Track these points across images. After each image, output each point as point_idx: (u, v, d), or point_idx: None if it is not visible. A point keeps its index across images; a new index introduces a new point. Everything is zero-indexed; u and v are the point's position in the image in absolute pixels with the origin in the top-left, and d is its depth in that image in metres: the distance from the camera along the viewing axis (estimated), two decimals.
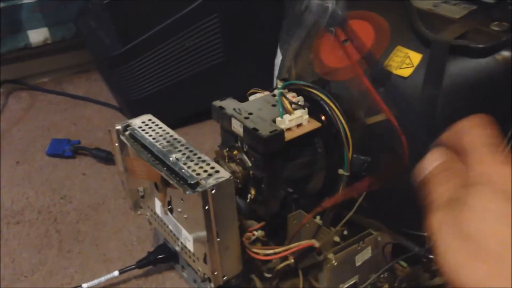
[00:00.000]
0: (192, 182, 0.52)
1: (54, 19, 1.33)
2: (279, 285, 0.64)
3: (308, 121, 0.64)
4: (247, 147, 0.62)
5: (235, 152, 0.64)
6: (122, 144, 0.63)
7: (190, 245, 0.59)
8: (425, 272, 0.74)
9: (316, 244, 0.60)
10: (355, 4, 0.69)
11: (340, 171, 0.63)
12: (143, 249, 0.80)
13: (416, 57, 0.61)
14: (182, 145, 0.58)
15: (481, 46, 0.57)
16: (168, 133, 0.61)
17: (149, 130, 0.61)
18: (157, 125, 0.62)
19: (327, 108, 0.63)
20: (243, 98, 0.68)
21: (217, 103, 0.66)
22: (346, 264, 0.66)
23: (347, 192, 0.62)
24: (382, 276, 0.70)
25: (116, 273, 0.75)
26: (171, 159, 0.56)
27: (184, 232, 0.59)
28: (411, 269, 0.73)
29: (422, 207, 0.36)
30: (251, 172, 0.62)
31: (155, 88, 1.08)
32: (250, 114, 0.63)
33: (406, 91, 0.61)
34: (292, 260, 0.62)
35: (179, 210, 0.59)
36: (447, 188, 0.34)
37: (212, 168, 0.54)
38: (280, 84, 0.67)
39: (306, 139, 0.64)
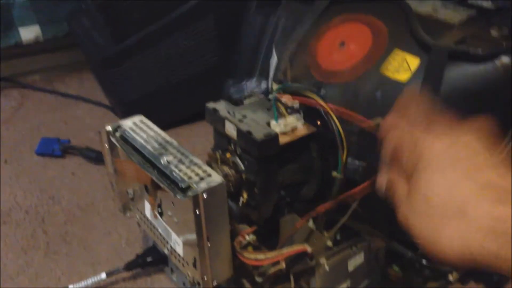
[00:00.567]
0: (183, 186, 0.51)
1: (46, 17, 1.31)
2: None
3: (303, 125, 0.63)
4: (240, 150, 0.61)
5: (228, 155, 0.63)
6: (112, 145, 0.62)
7: (179, 249, 0.58)
8: (418, 277, 0.73)
9: (309, 249, 0.59)
10: (352, 6, 0.68)
11: (334, 174, 0.62)
12: (132, 252, 0.79)
13: (414, 62, 0.60)
14: (174, 147, 0.57)
15: (481, 51, 0.56)
16: (159, 135, 0.59)
17: (140, 132, 0.60)
18: (148, 126, 0.61)
19: (322, 112, 0.62)
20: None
21: (210, 105, 0.65)
22: (339, 269, 0.65)
23: (343, 197, 0.61)
24: (375, 281, 0.69)
25: (103, 275, 0.73)
26: (162, 162, 0.55)
27: (174, 236, 0.58)
28: (404, 274, 0.72)
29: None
30: (244, 175, 0.61)
31: (148, 89, 1.07)
32: (244, 117, 0.61)
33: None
34: (284, 265, 0.60)
35: (170, 213, 0.57)
36: (399, 190, 0.42)
37: (204, 171, 0.53)
38: (275, 87, 0.66)
39: (301, 143, 0.63)
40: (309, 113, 0.63)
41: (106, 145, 0.62)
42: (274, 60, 0.79)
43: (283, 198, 0.74)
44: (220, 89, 0.87)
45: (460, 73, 0.57)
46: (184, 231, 0.56)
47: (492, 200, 0.35)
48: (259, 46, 0.84)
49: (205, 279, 0.55)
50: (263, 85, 0.61)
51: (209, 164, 0.62)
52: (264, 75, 0.77)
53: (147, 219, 0.64)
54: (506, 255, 0.33)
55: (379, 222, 0.68)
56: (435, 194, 0.37)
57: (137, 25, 0.99)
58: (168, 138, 0.59)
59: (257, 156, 0.58)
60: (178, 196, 0.50)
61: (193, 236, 0.53)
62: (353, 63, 0.64)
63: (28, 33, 1.32)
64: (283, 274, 0.63)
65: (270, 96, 0.64)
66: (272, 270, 0.61)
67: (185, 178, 0.52)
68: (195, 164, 0.54)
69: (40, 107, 1.26)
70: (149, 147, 0.57)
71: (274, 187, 0.62)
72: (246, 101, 0.66)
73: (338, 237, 0.68)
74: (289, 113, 0.62)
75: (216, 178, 0.52)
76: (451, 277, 0.74)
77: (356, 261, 0.67)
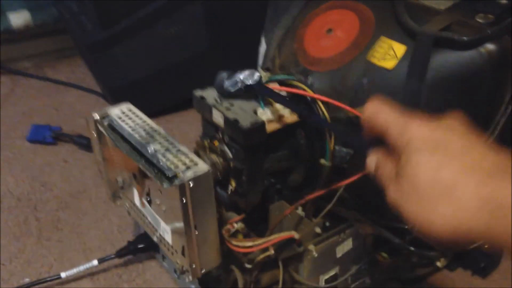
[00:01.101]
0: (169, 175, 0.51)
1: (35, 2, 1.30)
2: (259, 276, 0.64)
3: (290, 113, 0.63)
4: (228, 138, 0.62)
5: (216, 143, 0.63)
6: (100, 133, 0.62)
7: (168, 237, 0.58)
8: (406, 264, 0.74)
9: (296, 235, 0.60)
10: None
11: (322, 161, 0.63)
12: (123, 239, 0.80)
13: (400, 49, 0.60)
14: (161, 136, 0.57)
15: (466, 38, 0.56)
16: (147, 123, 0.60)
17: (128, 120, 0.60)
18: (136, 115, 0.61)
19: (309, 99, 0.63)
20: None
21: (198, 92, 0.65)
22: (327, 256, 0.66)
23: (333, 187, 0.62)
24: (363, 267, 0.70)
25: (95, 262, 0.74)
26: (149, 150, 0.55)
27: (162, 224, 0.59)
28: (392, 260, 0.73)
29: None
30: (232, 163, 0.61)
31: (138, 75, 1.06)
32: (232, 105, 0.62)
33: (389, 83, 0.60)
34: (272, 252, 0.61)
35: (158, 202, 0.58)
36: (388, 171, 0.44)
37: (191, 160, 0.53)
38: (263, 74, 0.66)
39: (288, 130, 0.63)
40: (296, 101, 0.63)
41: (94, 133, 0.62)
42: (262, 47, 0.78)
43: (273, 185, 0.74)
44: (211, 74, 0.86)
45: (445, 59, 0.57)
46: (172, 219, 0.56)
47: (478, 181, 0.36)
48: None
49: (194, 266, 0.56)
50: (256, 77, 0.61)
51: (197, 152, 0.62)
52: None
53: (137, 208, 0.64)
54: (497, 227, 0.34)
55: (367, 209, 0.68)
56: (423, 175, 0.39)
57: (125, 10, 0.98)
58: (155, 126, 0.59)
59: (244, 144, 0.58)
60: (165, 185, 0.51)
61: (181, 224, 0.53)
62: (340, 50, 0.64)
63: (18, 18, 1.31)
64: (272, 260, 0.64)
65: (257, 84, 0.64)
66: (261, 256, 0.62)
67: (172, 167, 0.52)
68: (182, 152, 0.55)
69: (30, 94, 1.26)
70: (136, 135, 0.57)
71: (261, 174, 0.63)
72: None
73: (327, 224, 0.68)
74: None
75: (202, 167, 0.52)
76: (439, 264, 0.75)
77: (344, 247, 0.68)
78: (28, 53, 1.39)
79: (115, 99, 1.05)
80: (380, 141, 0.46)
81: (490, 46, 0.56)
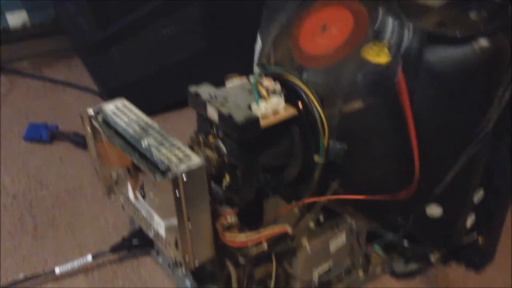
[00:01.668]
0: (163, 168, 0.51)
1: (33, 2, 1.30)
2: (253, 270, 0.64)
3: (285, 109, 0.63)
4: (222, 133, 0.62)
5: (210, 138, 0.63)
6: (94, 129, 0.62)
7: (162, 231, 0.59)
8: (400, 258, 0.74)
9: (289, 230, 0.60)
10: None
11: (316, 158, 0.63)
12: (118, 236, 0.80)
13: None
14: (155, 130, 0.58)
15: (459, 34, 0.57)
16: (141, 118, 0.60)
17: (122, 115, 0.60)
18: (130, 110, 0.61)
19: (303, 96, 0.63)
20: (223, 86, 0.67)
21: (193, 88, 0.65)
22: (320, 250, 0.66)
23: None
24: (356, 262, 0.70)
25: (89, 257, 0.74)
26: (143, 144, 0.55)
27: (156, 217, 0.59)
28: (386, 255, 0.73)
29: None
30: (226, 159, 0.62)
31: (135, 76, 1.07)
32: (226, 100, 0.62)
33: (383, 79, 0.60)
34: (266, 246, 0.61)
35: (152, 196, 0.58)
36: None
37: (184, 154, 0.54)
38: (258, 71, 0.67)
39: (282, 126, 0.63)
40: (291, 97, 0.63)
41: (88, 128, 0.62)
42: (258, 45, 0.79)
43: (268, 183, 0.75)
44: (208, 74, 0.87)
45: (438, 55, 0.57)
46: (165, 212, 0.56)
47: None
48: None
49: (187, 259, 0.56)
50: None
51: (191, 147, 0.62)
52: None
53: (131, 202, 0.65)
54: None
55: (361, 204, 0.69)
56: None
57: (122, 11, 0.99)
58: (149, 121, 0.59)
59: (238, 139, 0.59)
60: (158, 178, 0.51)
61: (174, 217, 0.54)
62: (335, 47, 0.65)
63: (15, 19, 1.32)
64: (265, 255, 0.64)
65: (252, 79, 0.64)
66: (255, 251, 0.62)
67: (165, 160, 0.52)
68: (176, 146, 0.55)
69: (28, 93, 1.26)
70: (130, 130, 0.57)
71: (255, 170, 0.63)
72: (228, 84, 0.67)
73: (322, 220, 0.69)
74: (271, 96, 0.62)
75: (195, 160, 0.53)
76: (432, 258, 0.75)
77: (338, 242, 0.68)
78: (26, 53, 1.39)
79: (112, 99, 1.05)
80: None
81: (483, 42, 0.56)
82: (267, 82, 0.64)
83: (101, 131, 0.59)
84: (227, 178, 0.63)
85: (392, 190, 0.64)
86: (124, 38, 1.02)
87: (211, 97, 0.62)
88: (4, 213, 0.88)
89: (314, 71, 0.66)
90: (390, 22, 0.61)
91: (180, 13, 1.01)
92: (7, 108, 1.19)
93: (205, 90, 0.64)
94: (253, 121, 0.58)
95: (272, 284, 0.65)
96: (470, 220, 0.69)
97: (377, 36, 0.61)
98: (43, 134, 1.05)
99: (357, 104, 0.62)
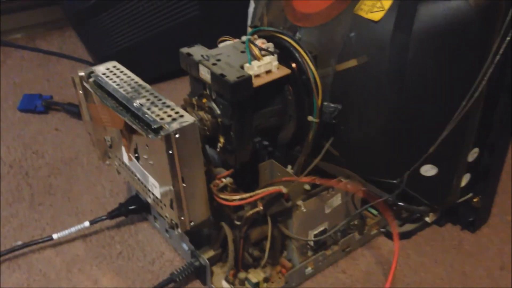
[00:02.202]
0: (155, 127, 0.51)
1: None
2: (248, 232, 0.64)
3: (278, 68, 0.63)
4: (215, 94, 0.61)
5: (204, 100, 0.63)
6: (86, 91, 0.62)
7: (157, 192, 0.59)
8: (395, 219, 0.75)
9: (284, 190, 0.60)
10: None
11: (310, 118, 0.63)
12: (116, 202, 0.80)
13: (387, 1, 0.59)
14: (147, 91, 0.57)
15: None
16: (132, 79, 0.59)
17: (113, 77, 0.60)
18: (121, 71, 0.61)
19: (296, 55, 0.62)
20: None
21: (185, 49, 0.64)
22: (316, 211, 0.66)
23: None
24: (352, 223, 0.71)
25: (86, 223, 0.74)
26: (134, 104, 0.55)
27: (151, 179, 0.59)
28: (381, 216, 0.74)
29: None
30: (219, 120, 0.61)
31: (128, 42, 1.06)
32: (218, 60, 0.61)
33: (376, 35, 0.60)
34: (261, 207, 0.61)
35: (145, 157, 0.58)
36: None
37: (177, 113, 0.53)
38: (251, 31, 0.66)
39: (275, 86, 0.63)
40: (284, 56, 0.63)
41: (80, 91, 0.62)
42: (251, 6, 0.78)
43: (264, 147, 0.74)
44: (202, 40, 0.86)
45: (432, 10, 0.56)
46: (160, 173, 0.56)
47: None
48: None
49: (182, 219, 0.56)
50: None
51: (184, 109, 0.62)
52: None
53: (125, 165, 0.65)
54: None
55: (357, 165, 0.69)
56: None
57: None
58: (141, 82, 0.59)
59: (230, 98, 0.58)
60: (150, 136, 0.51)
61: (168, 178, 0.53)
62: (327, 5, 0.64)
63: None
64: (261, 217, 0.64)
65: (244, 39, 0.64)
66: (250, 212, 0.62)
67: (157, 119, 0.52)
68: (168, 106, 0.55)
69: (22, 65, 1.25)
70: (122, 91, 0.57)
71: (249, 130, 0.63)
72: (221, 45, 0.66)
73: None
74: (263, 56, 0.61)
75: (188, 118, 0.52)
76: (428, 219, 0.75)
77: (333, 203, 0.68)
78: (19, 25, 1.38)
79: None
80: None
81: None
82: (260, 42, 0.63)
83: (92, 92, 0.59)
84: (221, 140, 0.63)
85: (386, 149, 0.64)
86: (115, 3, 1.00)
87: (203, 57, 0.62)
88: (1, 182, 0.87)
89: (308, 30, 0.65)
90: None
91: None
92: (2, 79, 1.18)
93: (197, 51, 0.64)
94: (246, 80, 0.58)
95: (268, 246, 0.65)
96: (465, 180, 0.69)
97: None
98: (37, 105, 1.05)
99: (351, 62, 0.62)
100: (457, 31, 0.57)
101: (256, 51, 0.61)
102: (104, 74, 0.60)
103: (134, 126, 0.53)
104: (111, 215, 0.76)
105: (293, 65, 0.63)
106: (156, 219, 0.76)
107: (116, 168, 0.68)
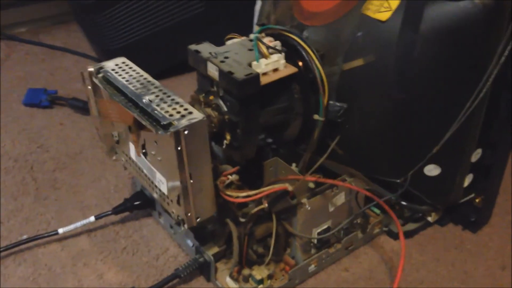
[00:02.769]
0: (164, 123, 0.52)
1: None
2: (253, 229, 0.65)
3: (285, 66, 0.63)
4: (222, 91, 0.62)
5: (211, 97, 0.63)
6: (95, 87, 0.62)
7: (164, 188, 0.59)
8: (398, 218, 0.75)
9: (289, 187, 0.61)
10: None
11: (316, 116, 0.63)
12: (120, 197, 0.80)
13: (394, 1, 0.60)
14: (156, 87, 0.58)
15: None
16: (141, 75, 0.60)
17: (123, 73, 0.60)
18: (130, 67, 0.61)
19: (303, 53, 0.63)
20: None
21: (193, 47, 0.65)
22: (320, 209, 0.67)
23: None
24: (355, 221, 0.71)
25: (92, 218, 0.75)
26: (144, 100, 0.55)
27: (158, 175, 0.59)
28: (384, 215, 0.74)
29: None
30: (226, 117, 0.62)
31: (133, 38, 1.06)
32: (226, 58, 0.62)
33: (383, 35, 0.60)
34: (266, 204, 0.62)
35: (153, 152, 0.58)
36: None
37: (186, 109, 0.54)
38: (258, 29, 0.66)
39: (282, 84, 0.63)
40: (291, 54, 0.63)
41: (89, 86, 0.62)
42: (258, 4, 0.78)
43: (269, 144, 0.75)
44: (208, 35, 0.86)
45: (439, 11, 0.57)
46: (167, 169, 0.57)
47: None
48: None
49: (189, 215, 0.57)
50: None
51: (192, 105, 0.62)
52: None
53: (132, 161, 0.65)
54: None
55: (360, 164, 0.69)
56: None
57: None
58: (150, 78, 0.59)
59: (238, 96, 0.59)
60: (160, 133, 0.51)
61: (176, 174, 0.54)
62: (335, 4, 0.64)
63: None
64: (265, 214, 0.65)
65: (252, 37, 0.64)
66: (255, 209, 0.63)
67: (167, 115, 0.52)
68: (177, 102, 0.55)
69: (26, 59, 1.25)
70: (131, 87, 0.57)
71: (256, 127, 0.63)
72: (228, 42, 0.67)
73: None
74: (271, 54, 0.62)
75: (197, 115, 0.53)
76: (430, 219, 0.76)
77: (337, 201, 0.69)
78: (24, 19, 1.38)
79: None
80: None
81: None
82: (268, 40, 0.64)
83: (101, 88, 0.59)
84: (227, 137, 0.63)
85: (391, 149, 0.65)
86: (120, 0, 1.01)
87: (211, 55, 0.62)
88: (6, 176, 0.88)
89: (315, 29, 0.66)
90: None
91: None
92: (6, 73, 1.19)
93: (205, 48, 0.64)
94: (254, 78, 0.58)
95: (272, 243, 0.66)
96: (468, 180, 0.70)
97: None
98: (42, 99, 1.05)
99: (357, 62, 0.62)
100: (464, 31, 0.57)
101: (264, 49, 0.62)
102: (113, 70, 0.61)
103: (143, 122, 0.53)
104: (116, 210, 0.76)
105: (300, 63, 0.63)
106: (161, 215, 0.76)
107: (123, 164, 0.68)
